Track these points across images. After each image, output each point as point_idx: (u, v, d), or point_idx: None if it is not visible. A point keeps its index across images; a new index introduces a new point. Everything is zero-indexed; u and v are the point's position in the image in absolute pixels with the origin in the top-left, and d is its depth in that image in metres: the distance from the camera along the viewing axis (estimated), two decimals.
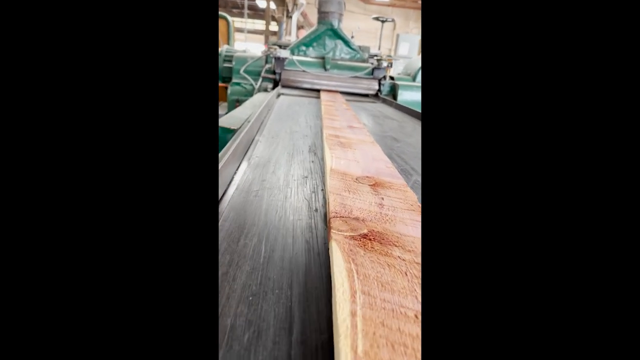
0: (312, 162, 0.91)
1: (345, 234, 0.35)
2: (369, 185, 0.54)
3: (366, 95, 2.33)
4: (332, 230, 0.36)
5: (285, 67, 2.16)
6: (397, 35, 7.56)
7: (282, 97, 1.85)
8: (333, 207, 0.43)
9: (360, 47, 2.56)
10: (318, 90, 2.15)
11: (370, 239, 0.34)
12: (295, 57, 2.27)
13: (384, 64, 2.20)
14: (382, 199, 0.48)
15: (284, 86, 2.15)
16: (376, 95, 2.33)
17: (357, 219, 0.40)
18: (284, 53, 1.98)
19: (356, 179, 0.57)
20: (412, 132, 1.30)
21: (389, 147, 1.07)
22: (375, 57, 2.41)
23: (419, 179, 0.80)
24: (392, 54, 7.42)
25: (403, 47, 7.34)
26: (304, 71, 2.21)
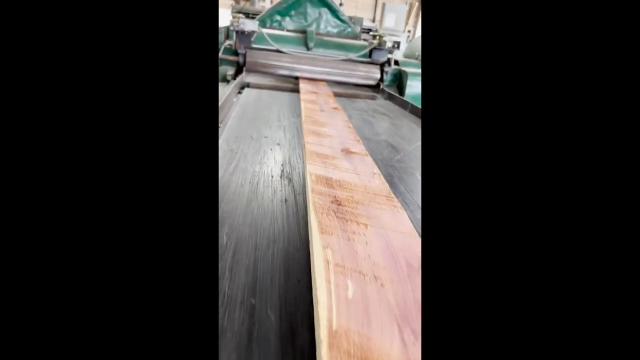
0: (285, 201, 0.58)
1: None
2: None
3: (364, 87, 1.82)
4: None
5: (253, 45, 1.66)
6: (383, 5, 7.00)
7: (246, 91, 1.43)
8: None
9: (351, 18, 2.18)
10: (298, 78, 1.68)
11: None
12: (265, 31, 1.77)
13: (388, 43, 1.74)
14: None
15: (250, 71, 1.65)
16: (377, 87, 1.81)
17: None
18: (249, 25, 1.51)
19: None
20: None
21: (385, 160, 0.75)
22: (371, 33, 2.03)
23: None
24: (377, 25, 6.94)
25: (389, 18, 6.82)
26: (278, 51, 1.69)
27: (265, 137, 0.99)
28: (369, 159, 0.73)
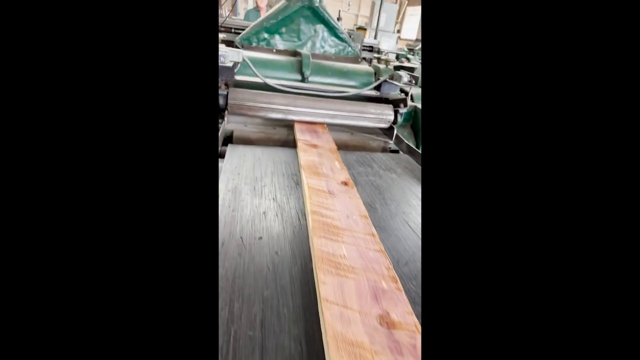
0: None
1: None
2: None
3: (373, 128, 1.44)
4: None
5: (237, 76, 1.26)
6: (373, 4, 6.61)
7: (230, 151, 1.08)
8: None
9: (350, 33, 1.87)
10: (292, 121, 1.31)
11: None
12: (250, 55, 1.40)
13: (404, 77, 1.26)
14: None
15: (232, 114, 1.25)
16: (390, 129, 1.42)
17: None
18: (232, 55, 1.10)
19: None
20: None
21: None
22: (375, 55, 1.75)
23: None
24: (365, 26, 6.59)
25: (380, 18, 6.52)
26: (267, 85, 1.29)
27: (260, 238, 0.71)
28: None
